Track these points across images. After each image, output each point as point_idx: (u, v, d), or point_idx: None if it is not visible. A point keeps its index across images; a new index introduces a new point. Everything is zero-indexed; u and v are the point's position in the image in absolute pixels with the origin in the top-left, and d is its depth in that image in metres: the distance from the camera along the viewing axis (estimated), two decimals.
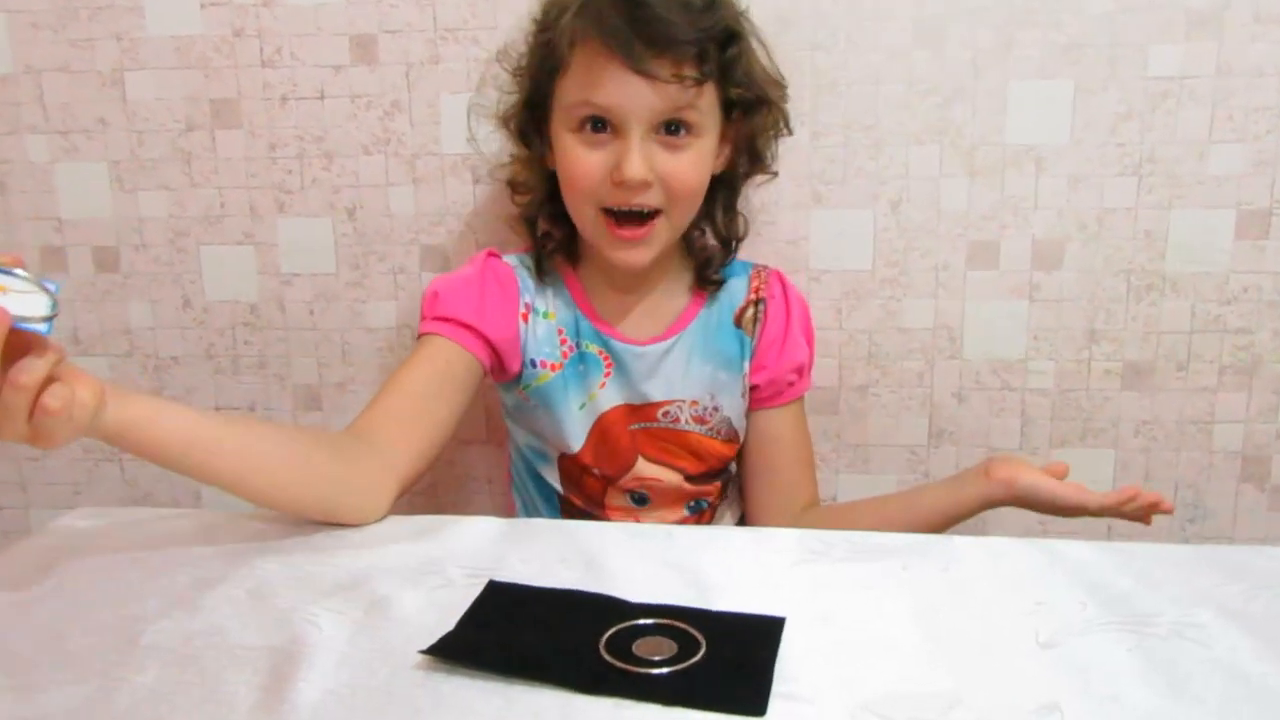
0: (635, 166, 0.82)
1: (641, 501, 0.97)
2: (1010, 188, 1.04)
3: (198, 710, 0.52)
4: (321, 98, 1.07)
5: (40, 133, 1.10)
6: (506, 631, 0.59)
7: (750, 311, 0.95)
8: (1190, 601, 0.62)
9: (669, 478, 0.96)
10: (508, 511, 1.06)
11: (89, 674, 0.56)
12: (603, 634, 0.57)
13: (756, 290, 0.96)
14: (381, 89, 1.06)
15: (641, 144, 0.82)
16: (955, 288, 1.07)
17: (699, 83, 0.82)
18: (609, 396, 0.94)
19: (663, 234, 0.87)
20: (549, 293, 0.94)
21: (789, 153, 0.99)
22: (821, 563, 0.68)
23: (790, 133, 0.94)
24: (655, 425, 0.94)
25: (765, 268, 0.98)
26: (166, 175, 1.11)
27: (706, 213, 0.93)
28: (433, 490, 1.17)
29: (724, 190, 0.93)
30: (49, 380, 0.57)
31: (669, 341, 0.94)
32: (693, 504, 0.98)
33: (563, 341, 0.93)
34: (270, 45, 1.06)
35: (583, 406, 0.94)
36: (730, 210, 0.95)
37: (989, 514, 0.88)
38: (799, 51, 1.01)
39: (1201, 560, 0.68)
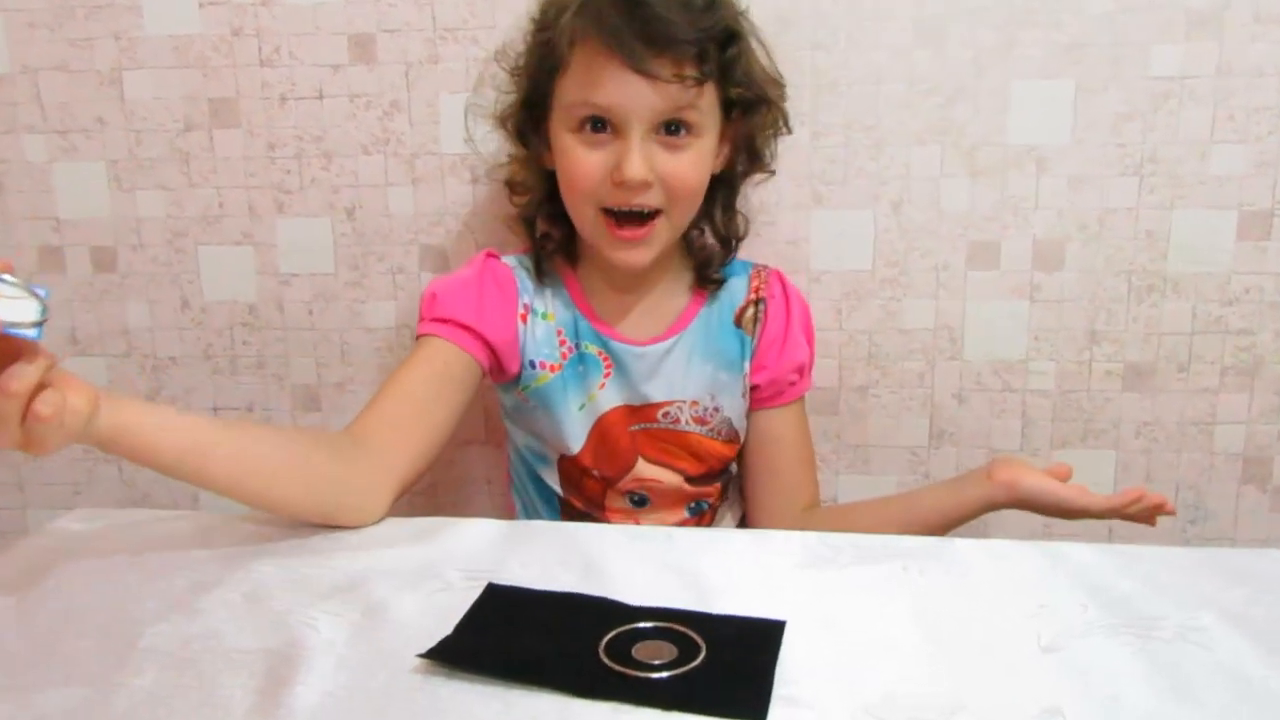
0: (635, 167, 0.81)
1: (641, 503, 0.96)
2: (1011, 188, 1.04)
3: (195, 713, 0.52)
4: (320, 97, 1.07)
5: (38, 132, 1.10)
6: (505, 635, 0.59)
7: (750, 311, 0.95)
8: (1193, 605, 0.62)
9: (669, 479, 0.95)
10: (507, 513, 1.06)
11: (86, 677, 0.55)
12: (602, 637, 0.57)
13: (757, 290, 0.96)
14: (380, 89, 1.06)
15: (641, 144, 0.82)
16: (956, 288, 1.07)
17: (699, 82, 0.81)
18: (608, 397, 0.93)
19: (663, 234, 0.87)
20: (548, 293, 0.94)
21: (789, 153, 0.99)
22: (822, 565, 0.68)
23: (790, 131, 0.93)
24: (655, 426, 0.94)
25: (765, 267, 0.98)
26: (165, 175, 1.10)
27: (706, 212, 0.92)
28: (432, 491, 1.17)
29: (723, 189, 0.93)
30: (40, 386, 0.56)
31: (669, 342, 0.93)
32: (693, 505, 0.98)
33: (562, 342, 0.93)
34: (269, 45, 1.06)
35: (582, 407, 0.93)
36: (730, 209, 0.95)
37: (990, 515, 0.88)
38: (799, 51, 1.01)
39: (1204, 563, 0.68)
